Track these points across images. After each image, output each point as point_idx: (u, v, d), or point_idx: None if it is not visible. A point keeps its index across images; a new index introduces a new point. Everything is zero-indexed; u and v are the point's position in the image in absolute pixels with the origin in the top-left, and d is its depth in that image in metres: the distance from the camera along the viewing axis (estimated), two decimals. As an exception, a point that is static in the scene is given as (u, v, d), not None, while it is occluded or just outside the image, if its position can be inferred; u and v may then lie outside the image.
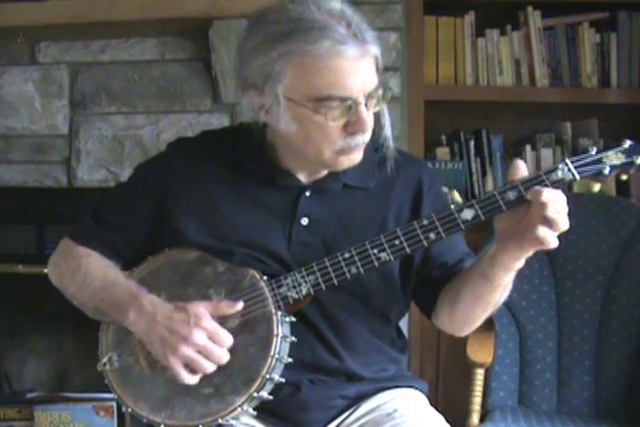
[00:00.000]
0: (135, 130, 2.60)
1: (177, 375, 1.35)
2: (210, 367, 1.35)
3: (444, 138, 2.74)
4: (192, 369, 1.35)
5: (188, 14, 2.41)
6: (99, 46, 2.60)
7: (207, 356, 1.34)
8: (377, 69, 1.36)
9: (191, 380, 1.35)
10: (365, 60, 1.32)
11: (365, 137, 1.38)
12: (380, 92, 1.36)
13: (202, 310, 1.36)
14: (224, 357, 1.35)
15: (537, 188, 1.28)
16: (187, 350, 1.33)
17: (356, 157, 1.40)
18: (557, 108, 2.73)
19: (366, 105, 1.34)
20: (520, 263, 1.34)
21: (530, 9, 2.64)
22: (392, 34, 2.51)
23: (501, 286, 1.38)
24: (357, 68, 1.31)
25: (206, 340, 1.34)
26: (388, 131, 1.46)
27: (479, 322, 1.48)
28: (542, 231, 1.26)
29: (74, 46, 2.61)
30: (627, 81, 2.66)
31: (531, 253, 1.31)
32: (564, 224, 1.27)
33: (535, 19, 2.64)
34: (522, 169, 1.32)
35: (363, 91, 1.33)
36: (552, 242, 1.27)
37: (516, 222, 1.30)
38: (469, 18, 2.65)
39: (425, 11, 2.60)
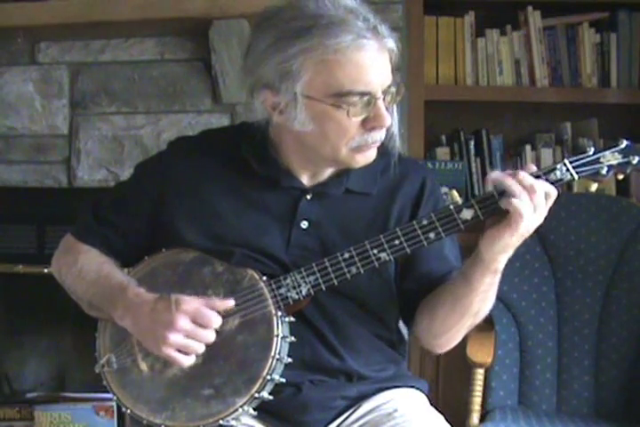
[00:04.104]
0: (135, 130, 2.60)
1: (174, 362, 1.35)
2: (200, 348, 1.35)
3: (444, 138, 2.74)
4: (185, 352, 1.35)
5: (188, 14, 2.41)
6: (99, 46, 2.60)
7: (195, 338, 1.34)
8: (392, 65, 1.36)
9: (189, 361, 1.35)
10: (384, 54, 1.33)
11: (382, 134, 1.38)
12: (394, 89, 1.37)
13: (183, 296, 1.35)
14: (211, 337, 1.35)
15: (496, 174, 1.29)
16: (175, 337, 1.33)
17: (372, 154, 1.40)
18: (557, 108, 2.73)
19: (383, 100, 1.34)
20: (500, 264, 1.33)
21: (530, 9, 2.64)
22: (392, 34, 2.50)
23: (479, 291, 1.37)
24: (377, 62, 1.32)
25: (190, 323, 1.33)
26: (395, 128, 1.45)
27: (456, 334, 1.46)
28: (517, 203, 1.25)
29: (74, 46, 2.61)
30: (627, 81, 2.66)
31: (510, 245, 1.30)
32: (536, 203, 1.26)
33: (535, 19, 2.64)
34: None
35: (381, 86, 1.33)
36: (527, 216, 1.26)
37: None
38: (469, 18, 2.65)
39: (425, 11, 2.60)
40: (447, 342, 1.48)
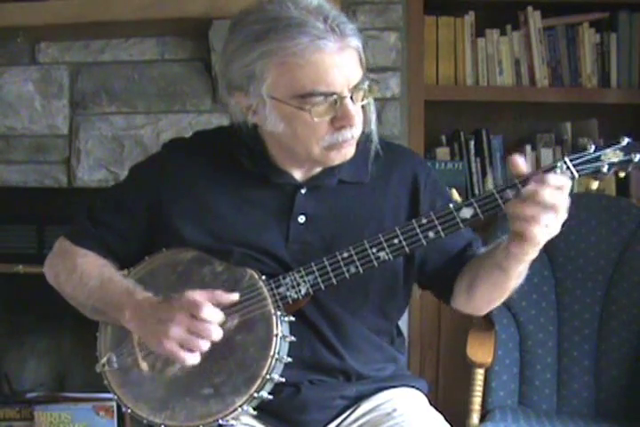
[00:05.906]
0: (135, 130, 2.60)
1: (178, 359, 1.33)
2: (203, 345, 1.33)
3: (444, 138, 2.74)
4: (189, 349, 1.33)
5: (188, 14, 2.41)
6: (99, 46, 2.60)
7: (196, 333, 1.32)
8: (360, 62, 1.35)
9: (194, 359, 1.33)
10: (346, 53, 1.32)
11: (354, 131, 1.37)
12: (367, 84, 1.36)
13: (188, 292, 1.34)
14: (213, 332, 1.32)
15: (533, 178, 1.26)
16: (176, 331, 1.31)
17: (347, 152, 1.40)
18: (557, 108, 2.73)
19: (352, 98, 1.34)
20: (532, 255, 1.33)
21: (530, 9, 2.64)
22: (392, 34, 2.51)
23: (516, 275, 1.38)
24: (339, 61, 1.31)
25: (190, 317, 1.32)
26: (373, 125, 1.46)
27: (498, 303, 1.49)
28: (543, 217, 1.24)
29: (74, 46, 2.61)
30: (627, 81, 2.66)
31: (541, 243, 1.29)
32: (558, 208, 1.24)
33: (535, 19, 2.64)
34: (520, 165, 1.29)
35: (347, 84, 1.33)
36: (550, 226, 1.25)
37: None
38: (469, 18, 2.66)
39: (425, 11, 2.60)
40: (489, 309, 1.52)
